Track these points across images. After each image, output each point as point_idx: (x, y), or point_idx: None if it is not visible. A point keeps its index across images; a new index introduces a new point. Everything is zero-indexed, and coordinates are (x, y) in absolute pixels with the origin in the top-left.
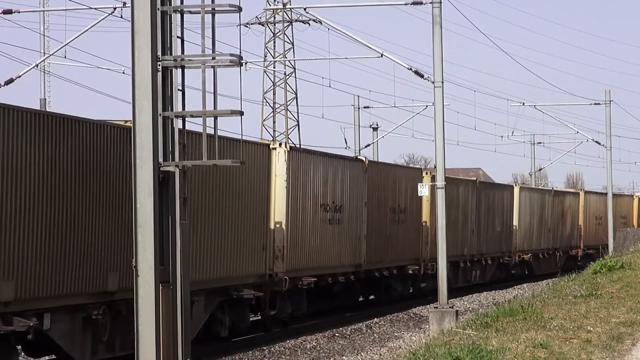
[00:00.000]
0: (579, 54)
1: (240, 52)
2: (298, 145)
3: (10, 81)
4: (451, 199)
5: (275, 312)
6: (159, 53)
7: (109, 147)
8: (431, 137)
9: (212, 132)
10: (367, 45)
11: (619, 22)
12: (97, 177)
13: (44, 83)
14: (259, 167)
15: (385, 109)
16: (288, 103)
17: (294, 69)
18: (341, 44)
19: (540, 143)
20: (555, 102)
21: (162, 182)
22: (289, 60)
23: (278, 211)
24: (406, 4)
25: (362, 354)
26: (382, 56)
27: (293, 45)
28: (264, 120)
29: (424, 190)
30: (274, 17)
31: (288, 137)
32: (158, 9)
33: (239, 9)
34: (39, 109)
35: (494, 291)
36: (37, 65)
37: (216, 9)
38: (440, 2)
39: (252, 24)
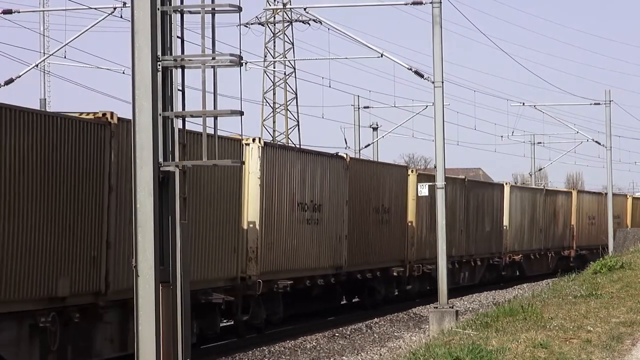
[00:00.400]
0: (579, 54)
1: (240, 52)
2: (298, 145)
3: (10, 81)
4: None
5: (248, 317)
6: (159, 53)
7: (62, 141)
8: (431, 137)
9: (213, 132)
10: (367, 45)
11: (619, 22)
12: (47, 174)
13: (44, 83)
14: None
15: (385, 109)
16: (288, 103)
17: (294, 69)
18: (341, 44)
19: (540, 143)
20: (555, 102)
21: (162, 182)
22: (289, 60)
23: (251, 210)
24: (406, 4)
25: (362, 354)
26: (382, 56)
27: (293, 45)
28: (264, 120)
29: (424, 190)
30: (274, 17)
31: (288, 137)
32: (158, 9)
33: (239, 9)
34: None
35: (494, 291)
36: (37, 65)
37: (216, 9)
38: (440, 2)
39: (252, 24)
